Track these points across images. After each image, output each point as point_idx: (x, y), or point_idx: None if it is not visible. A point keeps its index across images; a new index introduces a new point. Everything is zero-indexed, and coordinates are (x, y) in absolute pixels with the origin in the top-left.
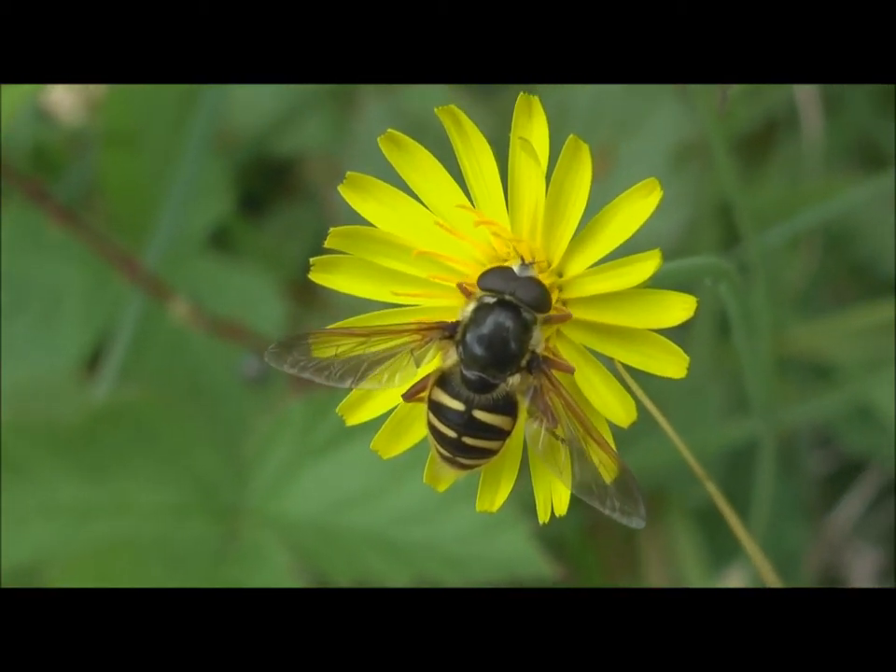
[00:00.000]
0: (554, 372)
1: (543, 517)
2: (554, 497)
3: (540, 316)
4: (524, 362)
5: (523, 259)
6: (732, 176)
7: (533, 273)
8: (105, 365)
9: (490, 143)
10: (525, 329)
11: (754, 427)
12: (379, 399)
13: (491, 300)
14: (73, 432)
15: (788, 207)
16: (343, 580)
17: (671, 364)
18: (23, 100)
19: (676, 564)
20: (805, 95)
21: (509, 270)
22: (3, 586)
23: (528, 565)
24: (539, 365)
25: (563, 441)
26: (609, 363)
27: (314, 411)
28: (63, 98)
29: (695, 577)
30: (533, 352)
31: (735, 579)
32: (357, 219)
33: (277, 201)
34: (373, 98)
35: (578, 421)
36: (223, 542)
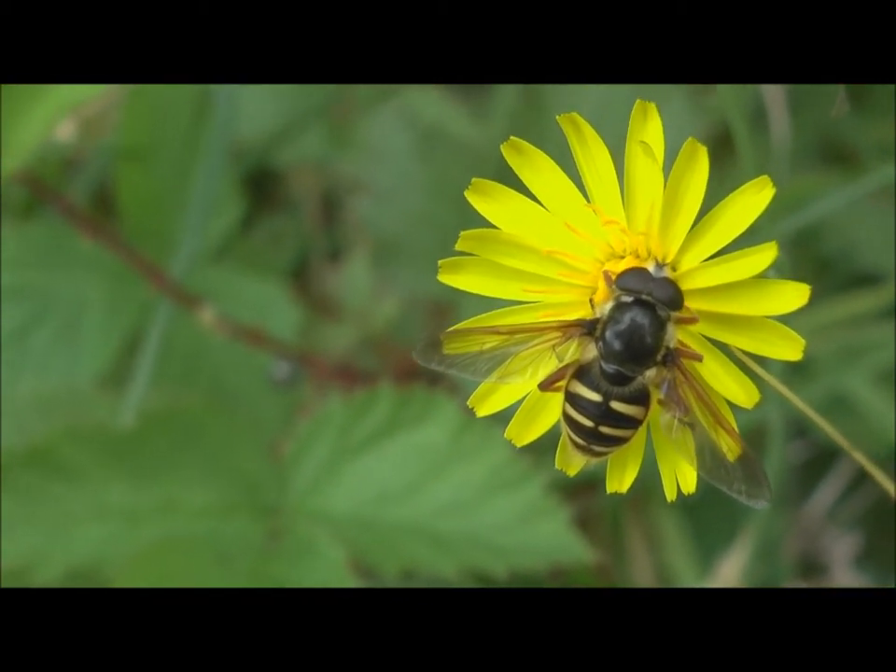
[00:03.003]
0: (685, 363)
1: (671, 496)
2: (680, 477)
3: (674, 314)
4: (659, 357)
5: (657, 261)
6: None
7: (667, 273)
8: (135, 373)
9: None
10: (661, 326)
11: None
12: (505, 390)
13: (629, 298)
14: (123, 437)
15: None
16: (390, 572)
17: (787, 348)
18: (62, 110)
19: (663, 557)
20: (772, 93)
21: (645, 271)
22: (62, 587)
23: (568, 551)
24: (672, 359)
25: (694, 429)
26: (726, 349)
27: (353, 410)
28: None
29: (684, 570)
30: (667, 347)
31: (728, 569)
32: (377, 227)
33: (260, 212)
34: (380, 106)
35: (709, 411)
36: (268, 540)
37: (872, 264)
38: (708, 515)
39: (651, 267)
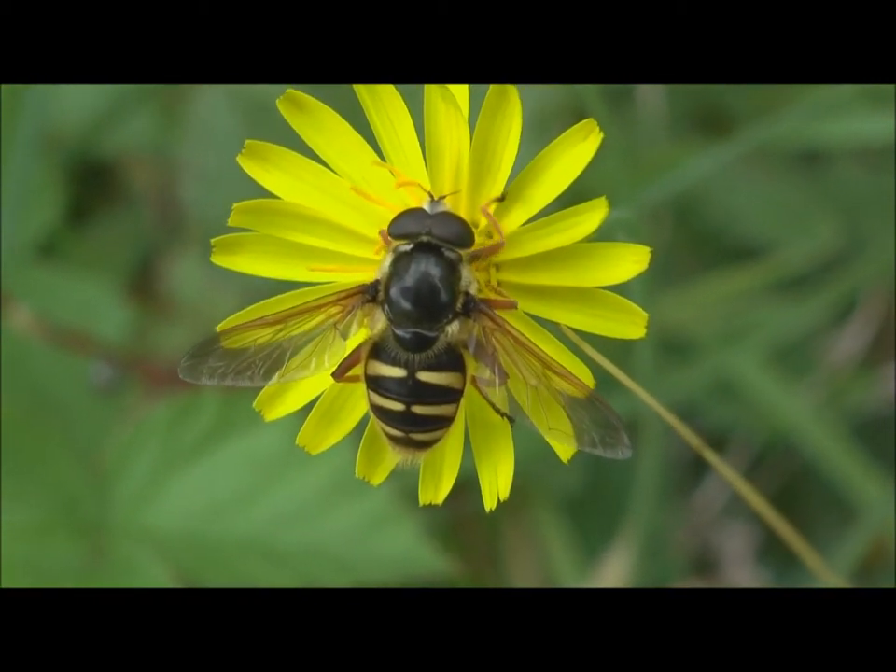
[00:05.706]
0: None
1: (490, 503)
2: (500, 477)
3: (465, 253)
4: (458, 306)
5: (431, 196)
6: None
7: (446, 206)
8: None
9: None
10: (452, 269)
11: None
12: (300, 387)
13: (407, 246)
14: None
15: (633, 177)
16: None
17: (627, 324)
18: None
19: (544, 558)
20: None
21: (419, 209)
22: None
23: (420, 562)
24: (476, 306)
25: (522, 385)
26: (555, 329)
27: (177, 414)
28: None
29: (567, 573)
30: (466, 293)
31: (612, 569)
32: (206, 214)
33: (96, 206)
34: (208, 87)
35: (533, 356)
36: (89, 559)
37: (750, 236)
38: (594, 514)
39: (426, 204)
